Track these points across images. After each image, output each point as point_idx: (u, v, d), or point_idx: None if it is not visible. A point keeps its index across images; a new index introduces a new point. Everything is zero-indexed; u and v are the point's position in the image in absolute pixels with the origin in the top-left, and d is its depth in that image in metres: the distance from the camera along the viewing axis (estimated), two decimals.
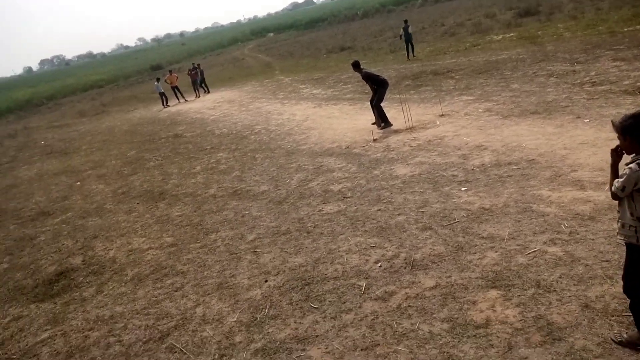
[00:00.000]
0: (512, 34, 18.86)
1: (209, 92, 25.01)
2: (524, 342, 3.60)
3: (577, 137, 7.29)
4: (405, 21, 20.60)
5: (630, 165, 2.92)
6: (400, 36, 20.65)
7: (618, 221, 3.14)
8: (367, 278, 4.96)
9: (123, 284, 6.23)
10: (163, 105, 23.73)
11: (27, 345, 5.35)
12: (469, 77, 13.49)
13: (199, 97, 24.66)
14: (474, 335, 3.80)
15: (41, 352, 5.15)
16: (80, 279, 6.72)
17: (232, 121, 15.92)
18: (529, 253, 4.68)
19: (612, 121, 3.06)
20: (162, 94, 23.82)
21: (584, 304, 3.82)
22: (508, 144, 7.74)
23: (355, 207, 6.76)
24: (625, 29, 14.24)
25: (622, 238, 3.12)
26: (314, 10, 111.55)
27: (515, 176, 6.50)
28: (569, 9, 21.03)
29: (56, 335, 5.40)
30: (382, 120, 10.46)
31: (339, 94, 15.99)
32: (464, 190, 6.47)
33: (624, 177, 2.91)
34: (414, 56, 20.03)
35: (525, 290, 4.16)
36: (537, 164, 6.70)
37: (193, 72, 25.25)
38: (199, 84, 25.04)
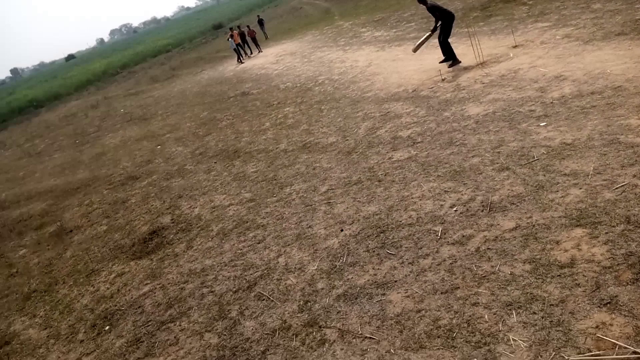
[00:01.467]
0: None
1: (259, 51, 25.07)
2: (613, 280, 3.48)
3: None
4: None
5: None
6: None
7: None
8: (442, 223, 4.94)
9: (210, 239, 6.65)
10: (239, 60, 24.12)
11: (132, 297, 5.94)
12: (543, 1, 12.42)
13: (261, 52, 24.80)
14: (559, 275, 3.72)
15: (144, 303, 5.70)
16: (171, 236, 7.25)
17: (295, 74, 15.92)
18: (616, 188, 4.42)
19: None
20: (236, 49, 24.24)
21: None
22: (591, 71, 7.16)
23: (426, 152, 6.65)
24: None
25: None
26: None
27: (599, 106, 6.05)
28: None
29: (155, 288, 5.93)
30: (449, 57, 10.00)
31: (403, 34, 15.39)
32: (543, 125, 6.13)
33: None
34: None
35: (614, 227, 3.97)
36: (625, 91, 6.17)
37: (250, 30, 25.45)
38: (253, 42, 25.28)
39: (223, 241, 6.46)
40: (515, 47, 9.68)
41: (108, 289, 6.41)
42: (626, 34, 8.04)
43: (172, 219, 7.87)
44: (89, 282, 6.80)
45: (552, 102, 6.67)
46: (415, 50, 10.60)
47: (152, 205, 8.90)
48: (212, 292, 5.37)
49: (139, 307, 5.68)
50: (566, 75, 7.38)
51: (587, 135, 5.51)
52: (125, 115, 21.04)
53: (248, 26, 26.63)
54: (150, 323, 5.27)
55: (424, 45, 10.74)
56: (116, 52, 75.64)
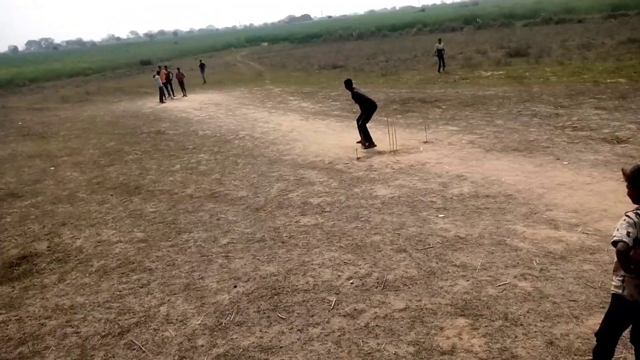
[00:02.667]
0: (500, 72, 19.32)
1: (184, 95, 24.93)
2: None
3: (555, 178, 7.45)
4: (439, 40, 22.65)
5: (628, 213, 2.85)
6: (435, 52, 22.48)
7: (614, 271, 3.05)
8: (337, 294, 4.93)
9: (87, 275, 6.06)
10: (161, 99, 23.53)
11: None
12: (455, 108, 13.72)
13: (186, 96, 24.55)
14: None
15: None
16: (43, 265, 6.52)
17: (217, 124, 15.83)
18: (499, 285, 4.72)
19: (622, 169, 3.01)
20: (160, 88, 23.71)
21: (549, 341, 3.85)
22: (488, 177, 7.86)
23: (332, 222, 6.75)
24: (609, 80, 14.72)
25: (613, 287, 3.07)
26: (311, 26, 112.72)
27: (492, 209, 6.59)
28: (558, 55, 21.69)
29: (10, 320, 5.20)
30: (366, 140, 10.54)
31: (327, 110, 16.07)
32: (441, 217, 6.52)
33: (624, 223, 2.81)
34: (444, 71, 21.83)
35: (493, 321, 4.19)
36: (514, 200, 6.81)
37: (179, 73, 25.34)
38: (180, 85, 25.17)
39: (102, 279, 5.91)
40: (426, 142, 10.45)
41: None
42: (520, 151, 9.02)
43: (48, 247, 7.12)
44: None
45: (451, 197, 7.17)
46: (363, 145, 10.52)
47: (29, 228, 8.03)
48: (77, 332, 4.80)
49: None
50: (467, 175, 8.03)
51: (479, 233, 5.93)
52: (23, 129, 19.41)
53: (178, 69, 26.42)
54: None
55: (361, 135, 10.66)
56: (28, 63, 70.99)
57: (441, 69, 22.10)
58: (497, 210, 6.52)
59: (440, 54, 22.06)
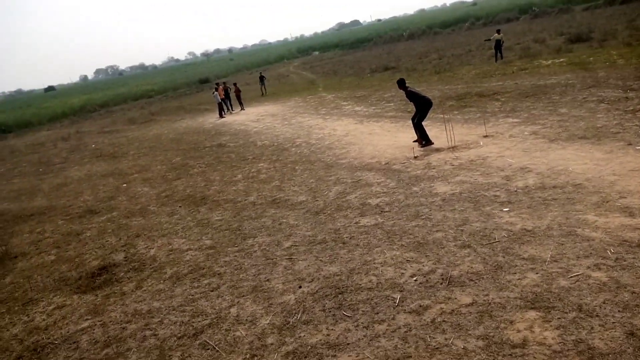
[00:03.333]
0: (562, 60, 18.46)
1: (242, 109, 25.60)
2: None
3: (627, 164, 7.04)
4: (498, 30, 23.02)
5: None
6: (489, 39, 23.23)
7: None
8: (401, 291, 4.92)
9: (162, 281, 6.40)
10: (220, 114, 24.45)
11: (68, 332, 5.56)
12: (515, 100, 13.27)
13: (244, 110, 25.29)
14: (510, 355, 3.71)
15: (81, 339, 5.34)
16: (122, 274, 6.95)
17: (274, 134, 16.20)
18: (571, 276, 4.54)
19: None
20: (219, 104, 24.65)
21: (629, 332, 3.67)
22: (554, 167, 7.56)
23: (392, 222, 6.74)
24: None
25: None
26: (360, 31, 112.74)
27: (560, 200, 6.33)
28: (624, 36, 20.42)
29: (95, 325, 5.59)
30: (423, 138, 10.42)
31: (381, 112, 16.03)
32: (506, 211, 6.34)
33: None
34: (502, 61, 21.87)
35: (566, 313, 4.04)
36: (584, 189, 6.51)
37: (237, 88, 26.15)
38: (237, 100, 25.90)
39: (175, 285, 6.22)
40: (485, 136, 10.18)
41: (44, 320, 6.00)
42: (588, 139, 8.60)
43: (125, 257, 7.58)
44: (24, 311, 6.36)
45: (516, 191, 6.95)
46: (420, 143, 10.44)
47: (107, 240, 8.58)
48: (155, 335, 5.09)
49: (74, 342, 5.31)
50: (531, 167, 7.75)
51: (547, 224, 5.71)
52: (96, 150, 20.73)
53: (235, 84, 27.25)
54: None
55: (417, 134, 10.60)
56: (97, 90, 75.76)
57: (499, 59, 22.07)
58: (565, 201, 6.26)
59: (498, 44, 22.25)
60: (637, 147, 7.64)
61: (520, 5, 56.77)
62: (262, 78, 32.72)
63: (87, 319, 5.79)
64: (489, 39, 23.36)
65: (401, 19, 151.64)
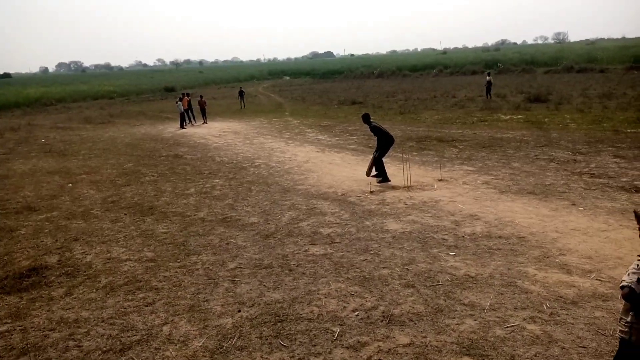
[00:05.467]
0: (519, 116, 19.35)
1: (204, 122, 25.38)
2: None
3: (569, 223, 7.35)
4: (488, 73, 29.10)
5: None
6: (485, 83, 27.44)
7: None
8: (341, 325, 4.86)
9: (94, 290, 6.07)
10: (181, 125, 24.02)
11: None
12: (472, 148, 13.73)
13: (206, 123, 24.99)
14: None
15: None
16: (52, 278, 6.56)
17: (234, 151, 16.03)
18: (507, 327, 4.62)
19: (635, 211, 3.01)
20: (182, 114, 24.23)
21: None
22: (501, 217, 7.79)
23: (341, 253, 6.71)
24: (629, 130, 14.65)
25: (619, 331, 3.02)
26: (333, 62, 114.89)
27: (504, 250, 6.51)
28: (578, 102, 21.70)
29: (15, 329, 5.21)
30: (380, 174, 10.56)
31: (344, 143, 16.20)
32: (452, 255, 6.45)
33: (635, 269, 2.78)
34: (490, 98, 26.11)
35: None
36: (527, 242, 6.72)
37: (202, 100, 25.87)
38: (201, 113, 25.63)
39: (108, 295, 5.92)
40: (440, 180, 10.43)
41: None
42: (536, 194, 8.94)
43: (59, 260, 7.18)
44: None
45: (463, 236, 7.10)
46: (368, 174, 10.68)
47: (42, 241, 8.12)
48: (78, 346, 4.79)
49: None
50: (480, 215, 7.97)
51: (489, 273, 5.84)
52: (45, 146, 19.86)
53: (201, 96, 26.94)
54: None
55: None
56: (57, 83, 73.17)
57: (489, 96, 26.43)
58: (509, 252, 6.43)
59: (489, 85, 26.77)
60: (580, 208, 8.00)
61: (487, 60, 59.62)
62: (241, 93, 33.93)
63: (6, 322, 5.39)
64: (488, 80, 27.25)
65: (373, 57, 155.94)
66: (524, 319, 4.73)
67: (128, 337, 4.92)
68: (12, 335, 5.11)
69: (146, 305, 5.58)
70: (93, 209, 9.88)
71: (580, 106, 20.51)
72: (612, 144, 12.86)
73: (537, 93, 25.20)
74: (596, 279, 5.49)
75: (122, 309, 5.53)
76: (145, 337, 4.90)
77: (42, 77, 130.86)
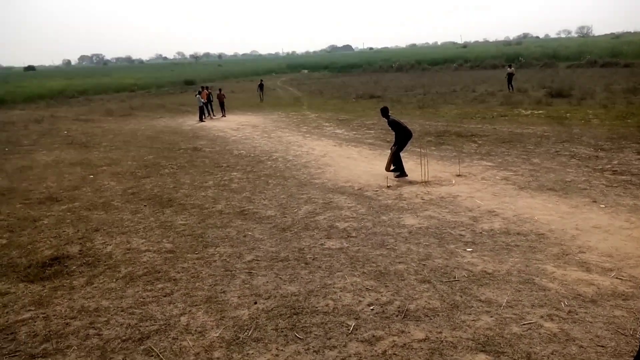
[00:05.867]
0: (540, 111, 19.04)
1: (223, 115, 25.49)
2: None
3: (590, 220, 7.23)
4: (510, 65, 29.48)
5: None
6: (506, 75, 27.88)
7: None
8: (357, 319, 4.88)
9: (114, 280, 6.20)
10: (201, 118, 24.24)
11: (7, 321, 5.30)
12: (491, 144, 13.58)
13: (225, 116, 25.15)
14: None
15: (19, 330, 5.09)
16: (74, 267, 6.71)
17: (252, 145, 16.12)
18: (524, 324, 4.58)
19: None
20: (201, 107, 24.44)
21: None
22: (520, 214, 7.70)
23: (357, 248, 6.72)
24: None
25: None
26: (351, 56, 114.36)
27: (522, 247, 6.44)
28: (601, 98, 21.25)
29: (38, 317, 5.35)
30: (398, 169, 10.52)
31: (361, 137, 16.16)
32: (469, 251, 6.41)
33: None
34: (512, 90, 26.62)
35: (515, 359, 4.06)
36: (546, 239, 6.64)
37: (221, 94, 25.99)
38: (220, 106, 25.75)
39: (128, 285, 6.03)
40: (458, 175, 10.34)
41: None
42: (556, 191, 8.81)
43: (80, 250, 7.33)
44: None
45: (481, 232, 7.04)
46: (387, 169, 10.65)
47: (64, 231, 8.30)
48: (99, 335, 4.90)
49: (12, 333, 5.05)
50: (498, 212, 7.89)
51: (507, 269, 5.79)
52: (67, 137, 20.23)
53: (220, 89, 27.10)
54: (18, 354, 4.67)
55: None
56: (79, 76, 74.32)
57: (511, 90, 26.64)
58: (527, 249, 6.37)
59: (510, 77, 27.09)
60: (601, 205, 7.86)
61: (508, 54, 58.67)
62: (261, 85, 33.81)
63: (29, 310, 5.54)
64: (509, 72, 27.56)
65: (392, 51, 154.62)
66: (541, 317, 4.69)
67: (147, 326, 5.01)
68: (35, 322, 5.25)
69: (164, 296, 5.67)
70: (113, 200, 10.05)
71: (603, 101, 20.08)
72: (637, 141, 12.58)
73: (559, 88, 24.74)
74: (616, 278, 5.40)
75: (141, 299, 5.63)
76: (163, 327, 4.99)
77: (65, 70, 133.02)
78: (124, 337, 4.83)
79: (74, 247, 7.47)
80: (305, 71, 77.55)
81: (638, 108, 17.89)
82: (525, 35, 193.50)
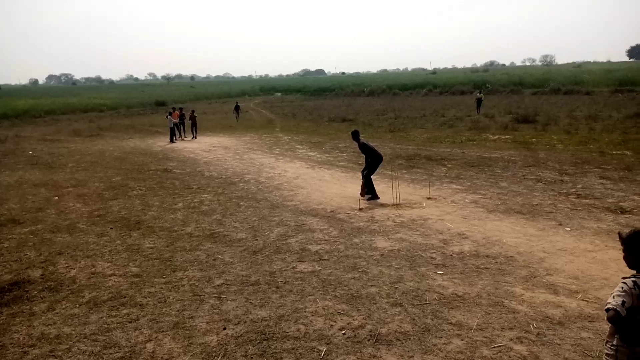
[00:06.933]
0: (507, 136, 19.58)
1: (194, 137, 25.33)
2: None
3: (556, 243, 7.39)
4: (479, 91, 33.91)
5: (625, 280, 2.85)
6: (475, 100, 30.57)
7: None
8: (328, 344, 4.81)
9: (77, 306, 5.96)
10: (171, 139, 23.97)
11: None
12: (460, 167, 13.84)
13: (196, 138, 24.94)
14: None
15: None
16: (35, 292, 6.43)
17: (223, 166, 15.99)
18: (494, 347, 4.60)
19: (619, 232, 3.02)
20: (172, 128, 24.20)
21: None
22: (489, 237, 7.82)
23: (329, 271, 6.68)
24: (614, 152, 14.86)
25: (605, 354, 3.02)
26: (324, 80, 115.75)
27: (491, 269, 6.52)
28: (565, 124, 22.03)
29: None
30: (369, 192, 10.59)
31: (334, 160, 16.24)
32: (440, 273, 6.44)
33: (620, 291, 2.79)
34: (479, 115, 28.21)
35: None
36: (515, 262, 6.74)
37: (193, 115, 25.82)
38: (191, 127, 25.59)
39: (91, 311, 5.81)
40: (429, 198, 10.47)
41: None
42: (523, 214, 9.01)
43: (42, 275, 7.05)
44: None
45: (451, 255, 7.11)
46: (362, 195, 10.65)
47: (25, 254, 7.98)
48: None
49: None
50: (468, 234, 7.99)
51: (477, 292, 5.83)
52: (32, 158, 19.66)
53: (193, 111, 26.87)
54: None
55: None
56: (46, 95, 72.76)
57: (480, 113, 28.58)
58: (496, 271, 6.44)
59: (479, 101, 29.61)
60: (567, 229, 8.06)
61: (475, 80, 60.42)
62: (237, 107, 35.47)
63: None
64: (478, 97, 30.37)
65: (364, 75, 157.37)
66: (511, 339, 4.72)
67: (111, 354, 4.82)
68: None
69: (130, 322, 5.48)
70: (79, 223, 9.75)
71: (567, 127, 20.82)
72: (598, 165, 13.03)
73: (524, 114, 25.55)
74: (582, 300, 5.51)
75: (106, 325, 5.42)
76: (128, 354, 4.80)
77: (32, 89, 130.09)
78: None
79: (36, 272, 7.18)
80: (279, 94, 77.99)
81: (599, 134, 18.61)
82: (492, 63, 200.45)
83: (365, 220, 9.04)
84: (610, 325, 2.88)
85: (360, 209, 9.83)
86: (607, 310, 2.78)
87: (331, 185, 12.44)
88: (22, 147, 23.09)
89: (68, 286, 6.60)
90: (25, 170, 16.59)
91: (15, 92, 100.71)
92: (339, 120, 30.24)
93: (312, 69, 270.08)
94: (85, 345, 4.99)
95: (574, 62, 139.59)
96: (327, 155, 17.52)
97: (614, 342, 2.90)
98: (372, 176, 10.69)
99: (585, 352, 4.44)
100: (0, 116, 42.68)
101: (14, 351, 4.96)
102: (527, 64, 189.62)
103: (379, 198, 10.50)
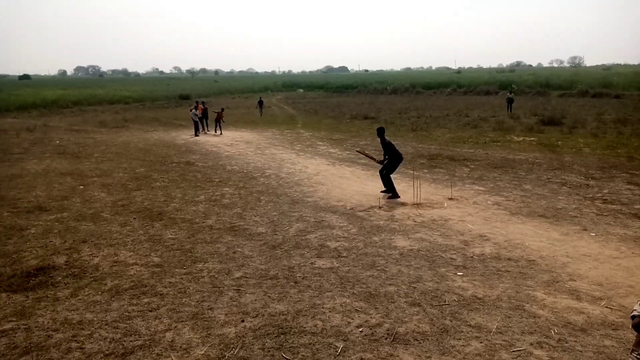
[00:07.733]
0: (532, 138, 19.25)
1: (218, 132, 25.38)
2: None
3: (580, 248, 7.25)
4: (510, 91, 34.16)
5: None
6: (506, 99, 31.27)
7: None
8: (345, 340, 4.81)
9: (99, 293, 6.08)
10: (195, 133, 24.23)
11: None
12: (483, 168, 13.66)
13: (221, 133, 25.08)
14: None
15: None
16: (59, 278, 6.58)
17: (245, 161, 16.10)
18: (513, 351, 4.54)
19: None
20: (196, 122, 24.47)
21: None
22: (511, 240, 7.71)
23: (347, 268, 6.67)
24: None
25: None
26: (347, 77, 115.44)
27: (513, 272, 6.42)
28: (592, 127, 21.56)
29: (19, 328, 5.22)
30: (389, 190, 10.53)
31: (354, 157, 16.20)
32: (460, 275, 6.38)
33: None
34: (511, 113, 28.82)
35: None
36: (537, 266, 6.63)
37: (220, 112, 25.90)
38: (217, 122, 25.67)
39: (113, 299, 5.92)
40: (450, 199, 10.37)
41: None
42: (547, 218, 8.85)
43: (66, 261, 7.21)
44: None
45: (472, 257, 7.03)
46: (358, 151, 10.93)
47: (51, 241, 8.17)
48: (81, 348, 4.78)
49: None
50: (489, 236, 7.89)
51: (497, 295, 5.76)
52: (59, 147, 20.09)
53: (222, 109, 26.60)
54: None
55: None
56: (74, 87, 74.22)
57: (511, 112, 29.10)
58: (518, 274, 6.35)
59: (510, 100, 30.33)
60: (592, 234, 7.89)
61: (501, 81, 59.53)
62: (261, 102, 36.10)
63: (11, 321, 5.40)
64: (509, 97, 31.09)
65: (387, 73, 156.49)
66: (531, 344, 4.65)
67: (130, 341, 4.90)
68: (16, 333, 5.12)
69: (150, 311, 5.57)
70: (103, 212, 9.94)
71: (594, 131, 20.36)
72: (626, 170, 12.72)
73: (551, 116, 25.08)
74: (606, 307, 5.39)
75: (126, 313, 5.52)
76: (147, 342, 4.88)
77: (60, 80, 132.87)
78: (106, 352, 4.72)
79: (61, 258, 7.34)
80: (301, 90, 78.06)
81: (628, 138, 18.15)
82: (518, 63, 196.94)
83: (385, 219, 9.00)
84: (636, 333, 2.81)
85: (380, 207, 9.79)
86: (633, 317, 2.72)
87: (351, 182, 12.41)
88: (50, 137, 23.61)
89: (91, 273, 6.74)
90: (52, 159, 16.97)
91: (45, 82, 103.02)
92: (360, 117, 30.13)
93: (335, 65, 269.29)
94: (107, 332, 5.10)
95: (603, 65, 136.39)
96: (348, 152, 17.48)
97: None
98: (391, 175, 10.63)
99: None
100: (29, 105, 43.78)
101: (39, 334, 5.09)
102: (555, 65, 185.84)
103: (399, 197, 10.44)
